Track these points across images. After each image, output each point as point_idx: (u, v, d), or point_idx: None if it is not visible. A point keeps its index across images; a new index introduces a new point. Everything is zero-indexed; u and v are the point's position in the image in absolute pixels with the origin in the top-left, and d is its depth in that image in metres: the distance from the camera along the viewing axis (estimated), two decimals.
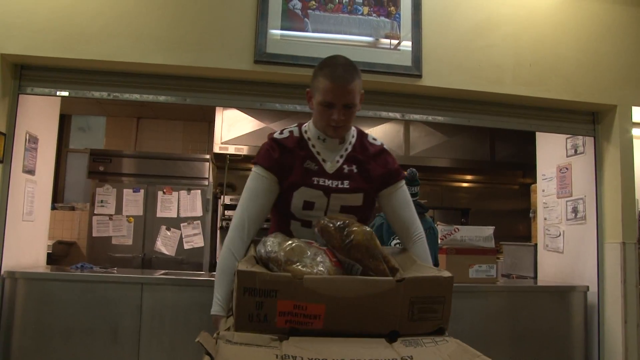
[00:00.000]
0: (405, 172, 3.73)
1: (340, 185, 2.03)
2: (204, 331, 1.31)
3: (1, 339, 3.49)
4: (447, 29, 3.96)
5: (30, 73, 3.71)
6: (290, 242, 1.67)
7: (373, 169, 2.08)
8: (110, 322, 3.54)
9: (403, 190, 2.12)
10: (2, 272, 3.54)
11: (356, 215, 1.98)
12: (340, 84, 1.91)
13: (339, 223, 1.71)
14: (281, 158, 2.02)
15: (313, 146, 2.06)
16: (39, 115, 4.08)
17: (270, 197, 2.05)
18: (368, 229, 1.68)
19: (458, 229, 4.12)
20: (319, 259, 1.62)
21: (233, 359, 1.30)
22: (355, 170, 2.07)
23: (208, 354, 1.24)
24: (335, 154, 2.07)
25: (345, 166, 2.06)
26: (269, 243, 1.68)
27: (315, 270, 1.56)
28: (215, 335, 1.37)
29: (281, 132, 2.10)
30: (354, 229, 1.67)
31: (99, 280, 3.61)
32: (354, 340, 1.45)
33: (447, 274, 1.59)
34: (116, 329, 3.54)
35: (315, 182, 2.01)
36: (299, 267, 1.57)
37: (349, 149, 2.10)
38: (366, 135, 2.17)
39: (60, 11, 3.55)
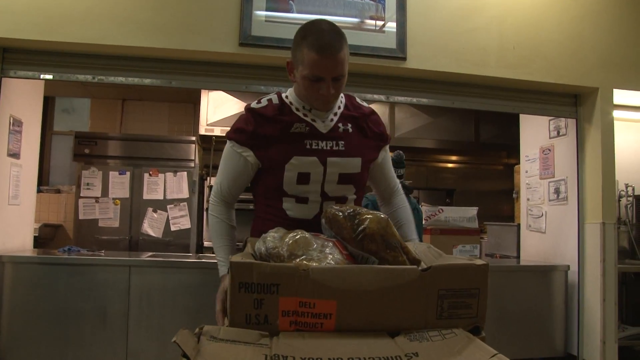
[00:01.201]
0: (392, 154, 3.78)
1: (335, 148, 1.84)
2: (183, 328, 1.16)
3: None
4: (432, 12, 3.97)
5: (13, 56, 3.67)
6: (293, 234, 1.47)
7: (368, 128, 1.93)
8: (98, 305, 3.57)
9: (388, 151, 2.05)
10: None
11: (355, 185, 1.89)
12: (328, 55, 1.69)
13: (348, 211, 1.50)
14: (257, 130, 1.83)
15: (297, 109, 1.87)
16: (22, 98, 4.05)
17: (248, 174, 1.91)
18: (383, 215, 1.48)
19: (442, 210, 4.18)
20: (327, 250, 1.42)
21: (215, 359, 1.13)
22: (350, 130, 1.88)
23: (185, 356, 1.07)
24: (327, 113, 1.88)
25: (340, 124, 1.88)
26: (269, 238, 1.47)
27: (323, 264, 1.36)
28: (197, 330, 1.20)
29: (258, 102, 1.90)
30: (367, 216, 1.45)
31: (86, 264, 3.63)
32: (351, 336, 1.26)
33: (480, 261, 1.37)
34: (105, 312, 3.57)
35: (308, 147, 1.81)
36: (304, 261, 1.36)
37: (342, 107, 1.92)
38: (354, 97, 2.02)
39: None
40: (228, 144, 1.92)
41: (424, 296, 1.30)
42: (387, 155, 2.04)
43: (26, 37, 3.49)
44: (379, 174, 2.04)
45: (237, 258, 1.31)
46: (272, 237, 1.48)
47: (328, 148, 1.83)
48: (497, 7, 4.08)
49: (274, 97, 1.92)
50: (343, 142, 1.85)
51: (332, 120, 1.87)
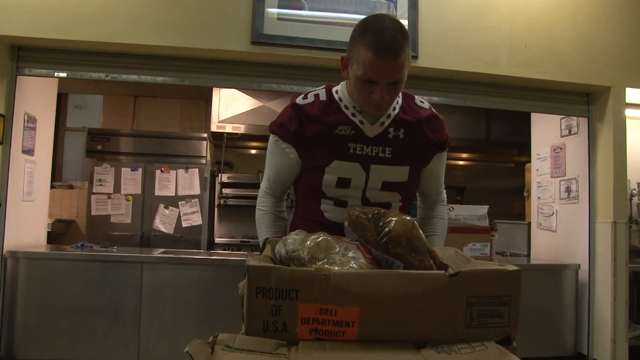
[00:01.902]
0: None
1: (381, 154, 1.72)
2: (196, 338, 1.11)
3: (5, 317, 3.56)
4: (443, 10, 3.97)
5: (28, 54, 3.72)
6: (315, 236, 1.40)
7: (424, 135, 1.77)
8: (111, 301, 3.61)
9: (445, 156, 1.89)
10: (4, 251, 3.60)
11: (400, 192, 1.79)
12: (387, 58, 1.53)
13: (373, 213, 1.43)
14: (300, 129, 1.73)
15: (346, 107, 1.73)
16: (37, 95, 4.10)
17: (293, 169, 1.83)
18: (408, 217, 1.41)
19: (453, 208, 4.18)
20: (350, 254, 1.34)
21: None
22: (401, 136, 1.74)
23: None
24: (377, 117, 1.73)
25: (391, 129, 1.73)
26: (289, 241, 1.41)
27: (345, 269, 1.29)
28: (211, 339, 1.14)
29: (305, 97, 1.76)
30: (392, 218, 1.38)
31: (99, 260, 3.67)
32: (375, 347, 1.19)
33: (512, 267, 1.28)
34: (117, 308, 3.62)
35: (352, 151, 1.71)
36: (326, 265, 1.30)
37: (397, 110, 1.75)
38: (413, 97, 1.84)
39: None
40: (272, 137, 1.83)
41: (452, 303, 1.23)
42: (441, 161, 1.88)
43: (41, 35, 3.53)
44: (426, 178, 1.88)
45: (254, 262, 1.24)
46: (293, 240, 1.41)
47: (373, 154, 1.72)
48: (509, 6, 4.07)
49: (322, 93, 1.77)
50: (390, 149, 1.73)
51: (382, 123, 1.72)
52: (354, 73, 1.61)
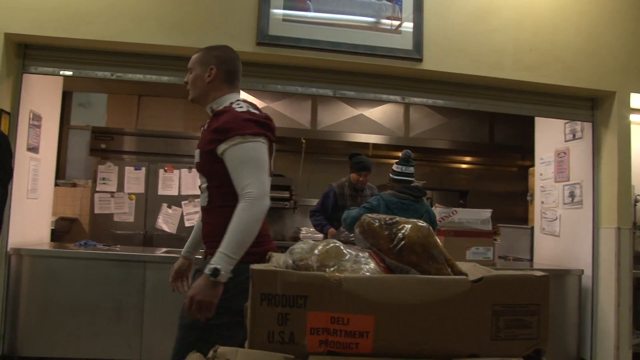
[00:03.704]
0: (400, 154, 3.79)
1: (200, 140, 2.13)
2: (194, 352, 1.07)
3: (8, 314, 3.57)
4: (449, 13, 3.97)
5: (34, 52, 3.73)
6: (324, 243, 1.32)
7: (209, 125, 2.07)
8: (114, 299, 3.62)
9: (238, 148, 1.93)
10: (8, 249, 3.61)
11: (202, 173, 2.06)
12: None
13: (385, 218, 1.36)
14: None
15: None
16: (42, 93, 4.11)
17: None
18: (424, 224, 1.34)
19: (456, 212, 4.17)
20: (362, 260, 1.26)
21: None
22: (205, 127, 2.11)
23: None
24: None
25: (206, 124, 2.14)
26: (297, 250, 1.31)
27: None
28: (211, 353, 1.08)
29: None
30: (405, 224, 1.31)
31: (102, 258, 3.68)
32: None
33: (539, 272, 1.19)
34: (120, 306, 3.62)
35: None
36: (336, 272, 1.20)
37: (211, 115, 2.12)
38: (233, 105, 2.04)
39: None
40: (263, 140, 1.98)
41: (476, 312, 1.14)
42: (229, 152, 1.94)
43: (47, 34, 3.55)
44: (227, 167, 1.97)
45: (259, 266, 1.17)
46: (300, 249, 1.32)
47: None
48: (514, 9, 4.07)
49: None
50: (200, 137, 2.12)
51: (206, 122, 2.14)
52: None
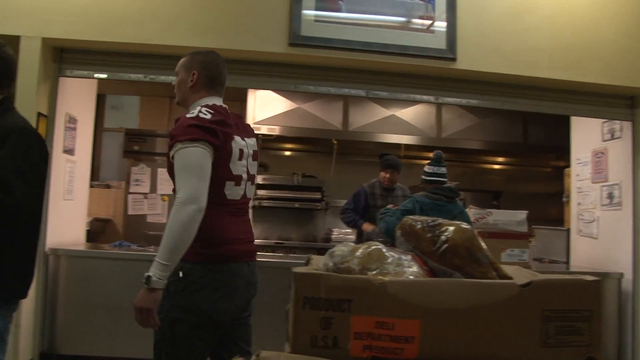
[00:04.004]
0: (432, 154, 3.74)
1: None
2: (238, 356, 1.04)
3: (47, 313, 3.63)
4: (483, 11, 3.91)
5: (69, 56, 3.79)
6: (365, 246, 1.29)
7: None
8: None
9: (178, 155, 1.95)
10: (46, 249, 3.67)
11: (171, 178, 2.05)
12: None
13: (428, 220, 1.34)
14: None
15: None
16: (77, 96, 4.17)
17: None
18: (467, 226, 1.32)
19: (491, 213, 4.11)
20: (405, 263, 1.24)
21: None
22: None
23: None
24: None
25: None
26: (337, 252, 1.28)
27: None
28: (254, 358, 1.03)
29: None
30: (449, 226, 1.29)
31: (137, 259, 3.72)
32: None
33: (590, 277, 1.16)
34: None
35: None
36: (379, 275, 1.18)
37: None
38: (192, 111, 2.07)
39: None
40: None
41: (525, 318, 1.11)
42: (174, 159, 1.98)
43: (82, 37, 3.60)
44: None
45: (302, 269, 1.16)
46: (341, 251, 1.29)
47: None
48: (551, 6, 3.98)
49: None
50: None
51: None
52: None
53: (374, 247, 1.28)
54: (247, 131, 2.25)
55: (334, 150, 6.22)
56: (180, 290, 1.97)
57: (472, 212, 4.09)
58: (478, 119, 6.35)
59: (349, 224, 4.72)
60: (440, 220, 1.33)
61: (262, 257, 4.22)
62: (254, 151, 2.22)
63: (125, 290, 3.65)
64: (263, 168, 6.44)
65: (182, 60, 2.25)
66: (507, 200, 6.81)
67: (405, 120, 6.11)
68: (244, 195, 2.16)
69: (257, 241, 5.96)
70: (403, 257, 1.27)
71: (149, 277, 1.86)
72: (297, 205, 5.96)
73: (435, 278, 1.23)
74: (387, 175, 4.53)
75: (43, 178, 2.09)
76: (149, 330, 2.21)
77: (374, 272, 1.20)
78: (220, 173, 2.02)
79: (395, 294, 1.08)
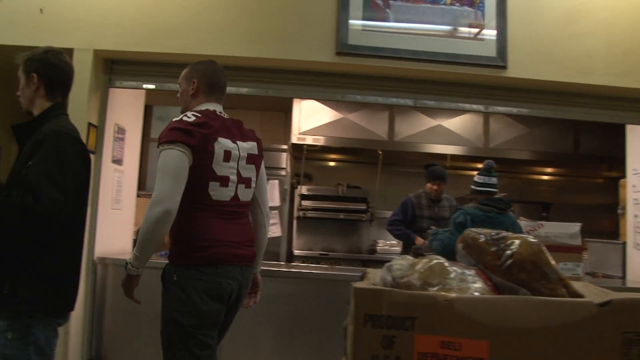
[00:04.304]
0: (480, 165, 3.65)
1: None
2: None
3: (95, 321, 3.67)
4: (534, 18, 3.81)
5: (119, 67, 3.86)
6: (426, 260, 1.23)
7: None
8: None
9: (159, 157, 2.08)
10: (94, 257, 3.71)
11: None
12: None
13: (492, 233, 1.28)
14: None
15: None
16: (126, 107, 4.24)
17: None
18: (533, 239, 1.25)
19: (542, 225, 3.99)
20: (469, 279, 1.17)
21: None
22: None
23: None
24: None
25: None
26: (395, 266, 1.22)
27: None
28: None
29: None
30: (515, 240, 1.22)
31: None
32: None
33: None
34: None
35: None
36: (442, 291, 1.12)
37: None
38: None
39: (146, 8, 3.67)
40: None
41: (604, 341, 1.02)
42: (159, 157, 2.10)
43: (131, 49, 3.67)
44: None
45: (362, 284, 1.09)
46: (400, 265, 1.23)
47: None
48: (606, 11, 3.85)
49: None
50: None
51: None
52: None
53: (435, 261, 1.22)
54: (243, 135, 2.30)
55: (379, 160, 6.16)
56: (177, 294, 2.16)
57: (522, 224, 3.96)
58: (527, 129, 6.20)
59: (400, 237, 4.65)
60: (505, 234, 1.26)
61: (307, 268, 4.20)
62: (250, 154, 2.27)
63: None
64: (307, 178, 6.42)
65: (183, 72, 2.39)
66: (556, 212, 6.61)
67: (451, 130, 6.01)
68: (235, 197, 2.19)
69: (300, 252, 5.96)
70: (467, 272, 1.20)
71: (127, 263, 2.13)
72: (341, 216, 5.92)
73: (503, 295, 1.14)
74: (435, 187, 4.45)
75: (82, 184, 2.01)
76: None
77: (436, 287, 1.13)
78: (203, 173, 2.09)
79: (462, 312, 1.01)
